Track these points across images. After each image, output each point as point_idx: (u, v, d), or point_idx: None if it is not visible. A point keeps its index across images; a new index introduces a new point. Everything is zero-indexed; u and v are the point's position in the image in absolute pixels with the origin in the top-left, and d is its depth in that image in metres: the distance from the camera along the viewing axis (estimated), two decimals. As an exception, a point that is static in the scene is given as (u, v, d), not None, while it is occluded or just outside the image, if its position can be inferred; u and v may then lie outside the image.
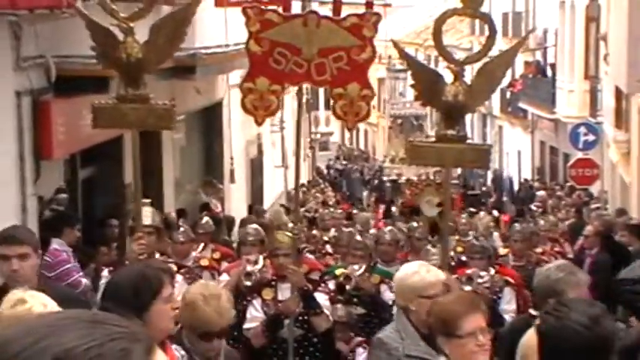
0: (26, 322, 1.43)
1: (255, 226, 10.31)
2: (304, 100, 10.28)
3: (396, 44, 7.74)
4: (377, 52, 7.30)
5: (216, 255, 10.38)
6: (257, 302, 7.82)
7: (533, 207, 22.87)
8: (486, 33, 7.29)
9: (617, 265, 11.55)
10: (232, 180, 18.97)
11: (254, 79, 7.17)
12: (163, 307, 4.27)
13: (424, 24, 48.89)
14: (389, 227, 11.98)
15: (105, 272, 7.87)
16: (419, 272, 5.43)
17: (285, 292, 7.72)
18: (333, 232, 13.97)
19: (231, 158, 18.91)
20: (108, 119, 6.95)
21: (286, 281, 7.64)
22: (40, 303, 4.31)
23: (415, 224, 12.21)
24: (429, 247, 7.94)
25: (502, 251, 11.23)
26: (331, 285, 8.60)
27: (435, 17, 7.24)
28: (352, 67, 7.05)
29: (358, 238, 9.90)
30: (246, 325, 7.76)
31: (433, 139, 7.23)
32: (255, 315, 7.78)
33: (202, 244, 10.65)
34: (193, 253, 9.94)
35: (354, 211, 21.60)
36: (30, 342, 1.38)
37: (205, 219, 11.71)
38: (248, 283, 8.29)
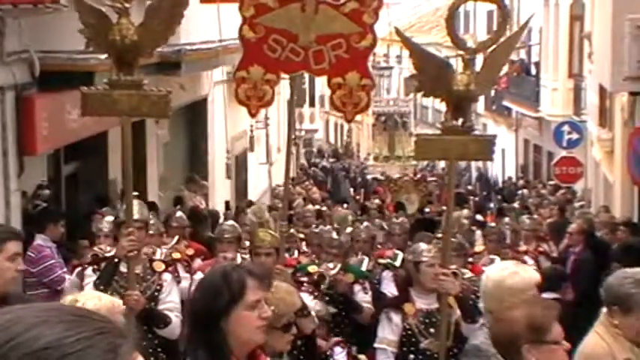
0: (11, 312, 1.43)
1: (231, 222, 10.07)
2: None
3: (398, 31, 7.29)
4: (377, 39, 6.91)
5: (190, 251, 10.17)
6: None
7: (515, 205, 22.93)
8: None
9: (600, 263, 11.62)
10: (228, 175, 18.71)
11: (247, 68, 6.81)
12: (246, 314, 3.78)
13: (408, 22, 48.99)
14: (365, 223, 11.92)
15: (89, 271, 7.37)
16: (518, 272, 4.92)
17: None
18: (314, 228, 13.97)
19: (227, 152, 18.59)
20: (98, 106, 6.42)
21: None
22: (90, 297, 4.25)
23: (395, 220, 12.16)
24: (420, 244, 7.72)
25: (478, 249, 11.21)
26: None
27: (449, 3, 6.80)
28: (352, 55, 6.72)
29: (334, 236, 9.67)
30: None
31: (439, 132, 6.76)
32: None
33: (176, 237, 10.40)
34: (164, 249, 9.59)
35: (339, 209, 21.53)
36: (19, 330, 1.39)
37: (179, 213, 11.54)
38: None
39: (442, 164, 39.92)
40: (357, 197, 30.62)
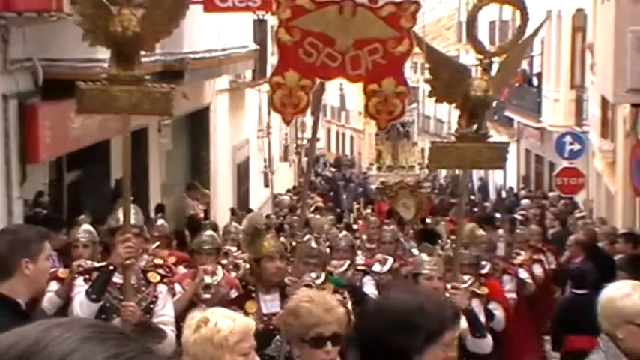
0: (58, 325, 1.42)
1: (210, 232, 9.68)
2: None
3: (416, 35, 6.87)
4: (414, 45, 6.59)
5: (172, 259, 9.85)
6: None
7: (517, 216, 22.92)
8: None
9: (602, 274, 11.61)
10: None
11: (283, 73, 6.48)
12: (439, 354, 3.28)
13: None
14: (343, 232, 11.59)
15: (79, 280, 6.75)
16: (631, 295, 4.51)
17: (270, 304, 6.92)
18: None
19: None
20: (96, 103, 6.05)
21: (272, 292, 6.90)
22: (223, 316, 3.95)
23: (386, 227, 11.99)
24: (422, 255, 7.50)
25: None
26: None
27: (471, 6, 6.78)
28: (388, 60, 6.41)
29: (313, 245, 9.25)
30: None
31: (454, 140, 6.59)
32: None
33: (157, 242, 10.03)
34: (145, 255, 9.07)
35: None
36: (73, 346, 1.38)
37: (160, 221, 11.32)
38: (207, 296, 7.70)
39: (443, 174, 40.03)
40: (358, 207, 30.57)
